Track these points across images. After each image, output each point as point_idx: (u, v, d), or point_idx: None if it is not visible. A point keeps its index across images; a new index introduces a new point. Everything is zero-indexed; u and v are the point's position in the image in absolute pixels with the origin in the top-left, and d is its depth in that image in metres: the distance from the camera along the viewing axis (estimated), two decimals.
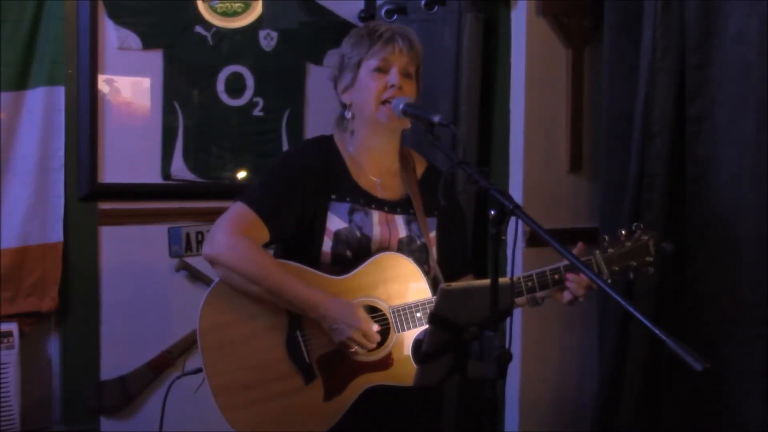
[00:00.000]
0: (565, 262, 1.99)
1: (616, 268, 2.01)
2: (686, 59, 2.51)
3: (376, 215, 2.09)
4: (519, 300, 2.05)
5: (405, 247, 2.10)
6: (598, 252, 2.02)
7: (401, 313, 2.01)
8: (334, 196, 2.06)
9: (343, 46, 2.15)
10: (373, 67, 2.07)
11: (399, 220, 2.12)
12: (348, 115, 2.13)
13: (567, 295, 2.02)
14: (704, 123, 2.49)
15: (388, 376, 2.00)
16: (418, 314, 2.01)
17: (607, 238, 2.04)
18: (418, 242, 2.12)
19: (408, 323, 2.01)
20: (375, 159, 2.15)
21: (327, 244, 2.03)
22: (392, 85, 2.05)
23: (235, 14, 3.45)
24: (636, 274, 2.04)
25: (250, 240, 1.96)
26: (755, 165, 2.37)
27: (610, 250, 2.02)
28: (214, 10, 3.39)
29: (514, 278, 1.91)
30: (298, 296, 1.94)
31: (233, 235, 1.95)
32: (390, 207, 2.12)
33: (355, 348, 1.96)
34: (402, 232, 2.11)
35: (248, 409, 1.94)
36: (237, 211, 2.00)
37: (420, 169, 2.23)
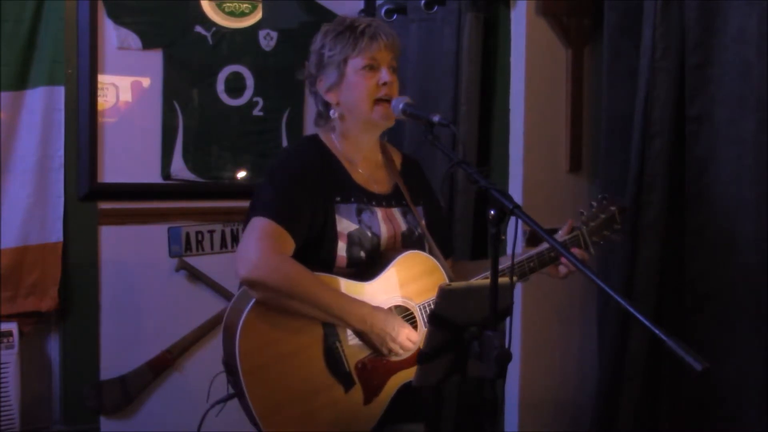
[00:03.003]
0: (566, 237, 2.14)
1: (596, 239, 2.16)
2: (686, 59, 2.51)
3: (379, 212, 2.09)
4: None
5: (407, 240, 2.11)
6: (583, 227, 2.15)
7: (427, 308, 2.03)
8: (338, 198, 2.04)
9: (320, 43, 2.10)
10: (361, 66, 2.04)
11: (397, 213, 2.13)
12: (334, 114, 2.10)
13: (563, 270, 2.11)
14: (704, 123, 2.49)
15: None
16: None
17: (584, 213, 2.17)
18: (416, 233, 2.14)
19: None
20: (364, 154, 2.14)
21: (341, 248, 2.01)
22: (384, 83, 2.05)
23: (242, 15, 3.46)
24: (608, 242, 2.19)
25: (287, 257, 1.92)
26: (755, 165, 2.37)
27: (591, 224, 2.15)
28: (221, 9, 3.40)
29: (516, 260, 2.01)
30: (345, 310, 1.93)
31: (271, 254, 1.90)
32: (387, 201, 2.12)
33: (400, 351, 1.97)
34: (402, 226, 2.12)
35: (294, 425, 1.90)
36: (261, 226, 1.93)
37: (397, 159, 2.23)
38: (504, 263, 1.95)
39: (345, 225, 2.03)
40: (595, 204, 2.17)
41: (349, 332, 1.96)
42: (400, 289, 2.03)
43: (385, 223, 2.09)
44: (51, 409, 3.23)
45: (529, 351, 2.93)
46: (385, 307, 1.99)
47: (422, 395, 2.09)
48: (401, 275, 2.03)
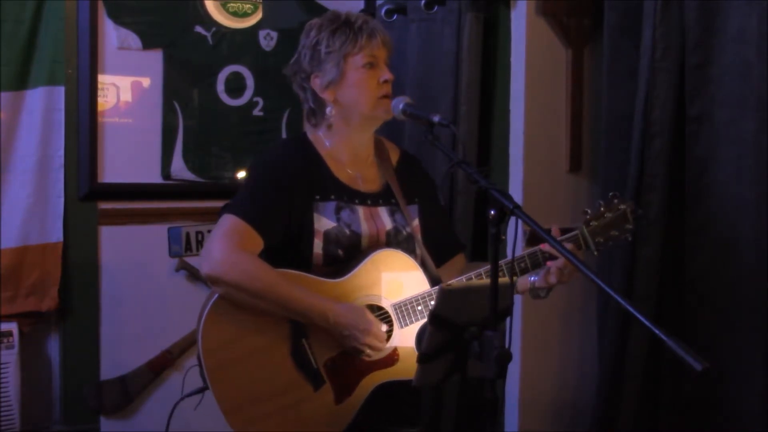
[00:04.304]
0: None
1: (601, 240, 2.04)
2: (686, 59, 2.51)
3: (361, 210, 2.06)
4: (521, 286, 2.07)
5: (392, 239, 2.08)
6: (583, 226, 2.04)
7: (403, 308, 2.01)
8: (317, 196, 2.02)
9: (314, 38, 2.06)
10: (362, 63, 2.02)
11: (383, 212, 2.10)
12: (331, 111, 2.06)
13: (553, 279, 2.02)
14: (704, 123, 2.49)
15: (395, 372, 2.00)
16: (419, 307, 2.00)
17: (589, 211, 2.06)
18: (404, 232, 2.10)
19: (410, 317, 2.00)
20: (354, 152, 2.11)
21: (317, 245, 1.99)
22: (385, 81, 2.03)
23: (245, 15, 3.47)
24: (615, 243, 2.07)
25: (250, 254, 1.92)
26: (755, 165, 2.37)
27: (594, 223, 2.04)
28: (225, 9, 3.40)
29: (508, 261, 1.97)
30: (307, 307, 1.92)
31: (232, 251, 1.89)
32: (372, 200, 2.09)
33: (368, 351, 1.95)
34: (388, 225, 2.09)
35: (261, 423, 1.90)
36: (229, 224, 1.93)
37: (394, 156, 2.20)
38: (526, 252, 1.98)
39: (323, 223, 2.01)
40: (602, 202, 2.07)
41: (320, 329, 1.94)
42: (374, 288, 2.00)
43: (367, 221, 2.06)
44: (51, 409, 3.23)
45: (529, 351, 2.93)
46: (357, 304, 1.97)
47: (402, 397, 2.05)
48: (375, 273, 2.00)
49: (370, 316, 1.95)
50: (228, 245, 1.90)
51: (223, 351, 1.91)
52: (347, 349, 1.96)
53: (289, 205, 1.99)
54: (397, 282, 2.03)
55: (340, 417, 1.96)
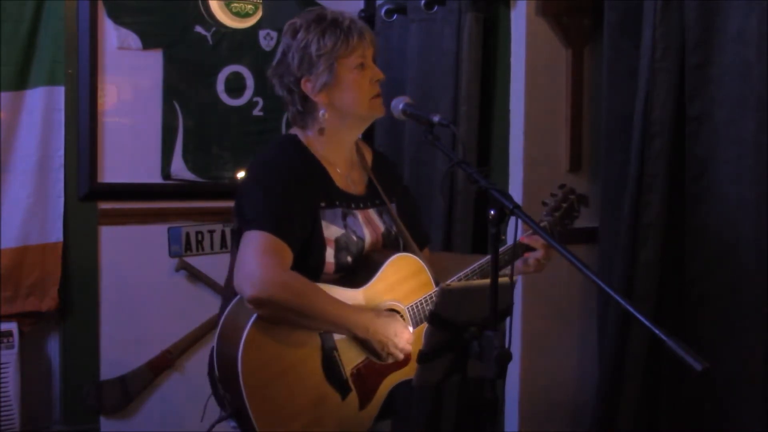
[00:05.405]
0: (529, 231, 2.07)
1: (558, 228, 2.15)
2: (686, 59, 2.51)
3: (359, 215, 2.06)
4: None
5: (387, 241, 2.09)
6: (550, 218, 2.14)
7: (415, 309, 2.03)
8: (323, 204, 1.99)
9: (303, 40, 2.02)
10: (355, 65, 1.99)
11: (373, 214, 2.10)
12: (324, 114, 2.02)
13: (531, 269, 2.11)
14: (704, 123, 2.49)
15: (409, 372, 2.00)
16: (428, 308, 2.02)
17: (548, 203, 2.17)
18: (393, 232, 2.12)
19: (422, 318, 2.02)
20: (344, 154, 2.10)
21: (330, 254, 1.97)
22: (377, 80, 2.03)
23: (246, 15, 3.47)
24: (565, 230, 2.20)
25: (292, 272, 1.87)
26: (755, 165, 2.37)
27: (555, 214, 2.15)
28: (229, 9, 3.41)
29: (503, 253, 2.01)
30: (349, 320, 1.91)
31: (275, 271, 1.83)
32: (363, 203, 2.09)
33: (401, 355, 1.96)
34: (381, 226, 2.10)
35: None
36: (261, 241, 1.85)
37: (368, 156, 2.19)
38: (483, 260, 2.05)
39: (332, 231, 1.98)
40: (559, 193, 2.17)
41: (345, 339, 1.93)
42: (390, 293, 2.02)
43: (366, 225, 2.06)
44: (51, 409, 3.23)
45: (529, 351, 2.93)
46: (389, 313, 1.99)
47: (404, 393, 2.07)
48: (392, 278, 2.02)
49: (400, 320, 1.98)
50: (269, 264, 1.83)
51: (264, 370, 1.85)
52: (381, 356, 1.96)
53: (301, 209, 1.95)
54: (409, 284, 2.05)
55: (363, 422, 1.98)
